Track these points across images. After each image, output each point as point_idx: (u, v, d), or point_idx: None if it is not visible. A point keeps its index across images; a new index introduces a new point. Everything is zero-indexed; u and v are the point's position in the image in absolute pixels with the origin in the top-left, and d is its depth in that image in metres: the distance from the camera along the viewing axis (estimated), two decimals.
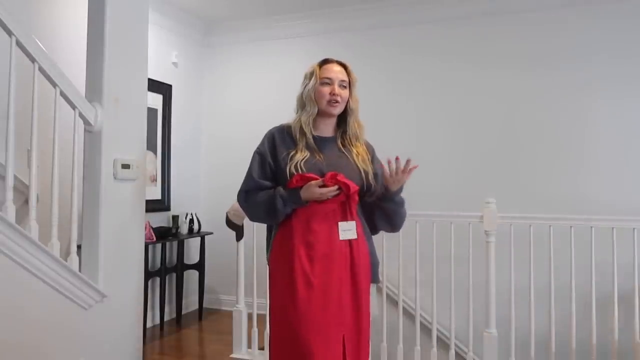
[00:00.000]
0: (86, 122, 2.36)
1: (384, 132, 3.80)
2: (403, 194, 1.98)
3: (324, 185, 1.84)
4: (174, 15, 4.65)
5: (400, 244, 2.90)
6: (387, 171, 1.88)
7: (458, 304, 2.95)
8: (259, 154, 1.99)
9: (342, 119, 2.02)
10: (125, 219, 2.52)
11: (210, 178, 5.05)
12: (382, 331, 3.02)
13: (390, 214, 2.00)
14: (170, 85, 4.66)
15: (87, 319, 2.32)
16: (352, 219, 1.91)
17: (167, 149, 4.62)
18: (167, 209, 4.58)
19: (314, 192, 1.84)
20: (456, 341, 3.16)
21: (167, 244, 4.38)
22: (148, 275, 3.99)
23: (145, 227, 3.51)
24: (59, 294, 2.19)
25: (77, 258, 2.31)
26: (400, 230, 2.13)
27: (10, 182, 2.07)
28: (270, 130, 2.03)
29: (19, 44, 2.09)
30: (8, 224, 1.97)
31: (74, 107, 2.31)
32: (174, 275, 4.45)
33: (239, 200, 2.02)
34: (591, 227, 2.81)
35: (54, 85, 2.25)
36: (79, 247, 2.38)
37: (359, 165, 1.95)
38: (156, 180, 4.48)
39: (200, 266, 4.60)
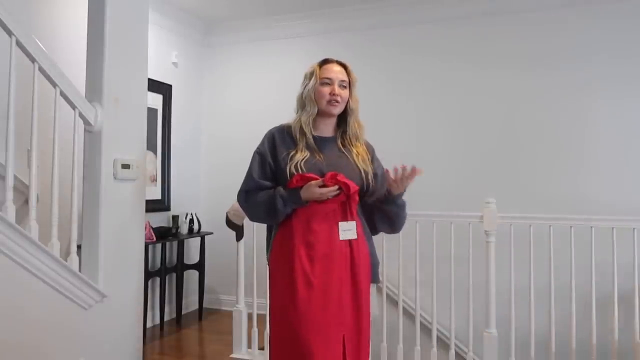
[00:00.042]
0: (86, 122, 2.36)
1: (384, 132, 3.81)
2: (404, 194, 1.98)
3: (324, 185, 1.84)
4: (174, 15, 4.65)
5: (400, 244, 2.90)
6: (391, 176, 1.87)
7: (458, 304, 2.95)
8: (259, 154, 1.99)
9: (342, 119, 2.02)
10: (125, 219, 2.52)
11: (210, 178, 5.05)
12: (382, 331, 3.02)
13: (392, 217, 2.01)
14: (170, 85, 4.66)
15: (87, 319, 2.32)
16: (353, 219, 1.91)
17: (167, 149, 4.62)
18: (167, 209, 4.58)
19: (314, 192, 1.84)
20: (456, 341, 3.16)
21: (167, 244, 4.38)
22: (148, 275, 3.99)
23: (145, 227, 3.51)
24: (59, 294, 2.19)
25: (77, 258, 2.31)
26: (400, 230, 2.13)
27: (10, 182, 2.07)
28: (270, 130, 2.03)
29: (19, 44, 2.09)
30: (8, 224, 1.97)
31: (74, 107, 2.31)
32: (174, 275, 4.45)
33: (239, 200, 2.02)
34: (591, 227, 2.81)
35: (54, 85, 2.25)
36: (79, 247, 2.38)
37: (359, 165, 1.95)
38: (156, 180, 4.48)
39: (200, 266, 4.60)
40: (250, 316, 3.20)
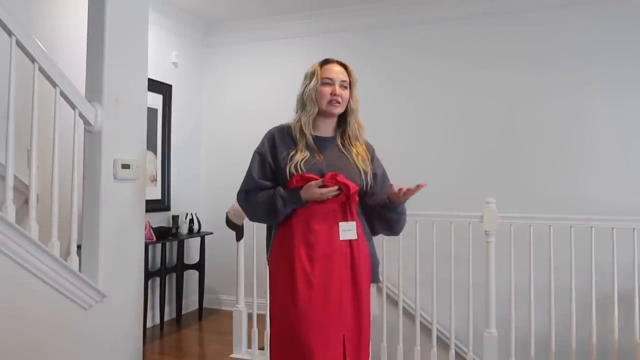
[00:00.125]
0: (86, 122, 2.36)
1: (384, 132, 3.82)
2: None
3: (324, 186, 1.84)
4: (174, 15, 4.65)
5: (400, 244, 2.90)
6: (394, 189, 1.86)
7: (458, 304, 2.95)
8: (259, 153, 1.99)
9: (342, 119, 2.02)
10: (125, 219, 2.52)
11: (210, 178, 5.05)
12: (382, 331, 3.02)
13: (392, 223, 2.01)
14: (170, 85, 4.66)
15: (87, 319, 2.32)
16: (353, 219, 1.91)
17: (167, 149, 4.62)
18: (167, 209, 4.58)
19: (314, 192, 1.84)
20: (456, 341, 3.16)
21: (167, 244, 4.38)
22: (148, 275, 3.99)
23: (145, 227, 3.51)
24: (59, 294, 2.19)
25: (77, 258, 2.31)
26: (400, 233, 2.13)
27: (10, 182, 2.07)
28: (270, 130, 2.03)
29: (19, 44, 2.09)
30: (8, 224, 1.97)
31: (74, 107, 2.31)
32: (174, 275, 4.45)
33: (238, 200, 2.02)
34: (591, 227, 2.81)
35: (54, 85, 2.25)
36: (79, 247, 2.38)
37: (358, 165, 1.95)
38: (156, 180, 4.48)
39: (200, 266, 4.60)
40: (250, 316, 3.20)
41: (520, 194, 3.91)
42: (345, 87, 1.97)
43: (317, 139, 1.97)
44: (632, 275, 2.74)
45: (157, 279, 4.24)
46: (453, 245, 2.94)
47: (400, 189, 1.84)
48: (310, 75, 1.97)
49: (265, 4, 4.51)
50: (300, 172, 1.88)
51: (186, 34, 4.87)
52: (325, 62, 2.00)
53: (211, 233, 4.66)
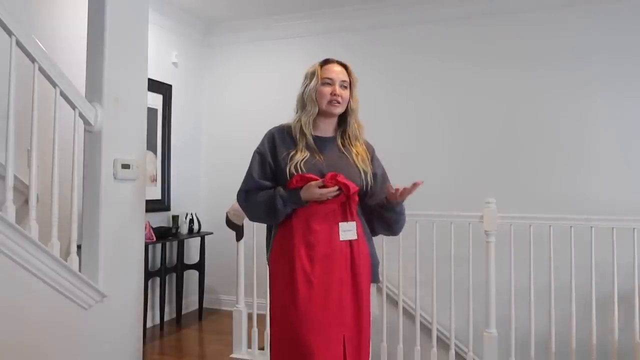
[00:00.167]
0: (86, 122, 2.36)
1: (384, 132, 3.82)
2: None
3: (324, 186, 1.84)
4: (174, 15, 4.65)
5: (400, 244, 2.90)
6: (391, 189, 1.87)
7: (458, 304, 2.95)
8: (259, 153, 1.99)
9: (343, 119, 2.02)
10: (125, 219, 2.52)
11: (210, 178, 5.05)
12: (382, 331, 3.02)
13: (391, 223, 2.01)
14: (170, 85, 4.66)
15: (87, 319, 2.32)
16: (353, 220, 1.91)
17: (167, 149, 4.62)
18: (167, 209, 4.58)
19: (314, 192, 1.84)
20: (456, 341, 3.16)
21: (167, 244, 4.38)
22: (148, 275, 3.99)
23: (145, 227, 3.51)
24: (59, 294, 2.19)
25: (77, 258, 2.31)
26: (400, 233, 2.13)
27: (10, 182, 2.07)
28: (270, 130, 2.03)
29: (19, 44, 2.09)
30: (8, 224, 1.97)
31: (74, 107, 2.31)
32: (174, 275, 4.45)
33: (238, 200, 2.02)
34: (591, 227, 2.81)
35: (54, 85, 2.25)
36: (79, 247, 2.38)
37: (358, 165, 1.95)
38: (156, 180, 4.48)
39: (200, 266, 4.60)
40: (250, 316, 3.20)
41: (520, 194, 3.91)
42: (346, 87, 1.97)
43: (317, 139, 1.97)
44: (632, 275, 2.74)
45: (157, 279, 4.24)
46: (453, 245, 2.94)
47: (397, 189, 1.85)
48: (311, 75, 1.97)
49: (265, 4, 4.51)
50: (300, 172, 1.87)
51: (186, 34, 4.87)
52: (326, 62, 2.00)
53: (211, 233, 4.66)
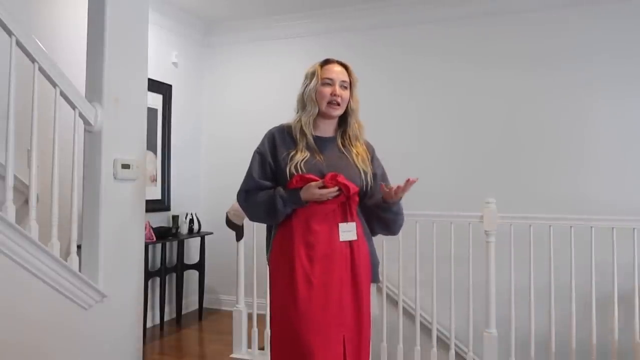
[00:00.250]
0: (86, 122, 2.36)
1: (385, 132, 3.82)
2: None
3: (324, 187, 1.84)
4: (174, 15, 4.65)
5: (400, 244, 2.90)
6: (385, 189, 1.87)
7: (458, 304, 2.95)
8: (259, 153, 1.98)
9: (343, 119, 2.02)
10: (125, 219, 2.52)
11: (210, 178, 5.05)
12: (382, 331, 3.02)
13: (389, 224, 2.01)
14: (170, 85, 4.66)
15: (87, 319, 2.32)
16: (352, 220, 1.91)
17: (167, 149, 4.62)
18: (167, 209, 4.58)
19: (314, 193, 1.84)
20: (456, 341, 3.16)
21: (167, 244, 4.38)
22: (148, 275, 3.99)
23: (145, 227, 3.51)
24: (59, 294, 2.19)
25: (77, 258, 2.31)
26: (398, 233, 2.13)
27: (10, 182, 2.07)
28: (270, 130, 2.03)
29: (19, 44, 2.09)
30: (8, 224, 1.97)
31: (74, 107, 2.30)
32: (174, 275, 4.45)
33: (238, 200, 2.02)
34: (591, 227, 2.81)
35: (54, 85, 2.25)
36: (79, 247, 2.38)
37: (359, 165, 1.95)
38: (156, 180, 4.48)
39: (200, 266, 4.60)
40: (250, 316, 3.20)
41: (520, 194, 3.91)
42: (346, 88, 1.97)
43: (317, 139, 1.97)
44: (632, 275, 2.74)
45: (157, 279, 4.24)
46: (453, 245, 2.94)
47: (391, 188, 1.84)
48: (311, 75, 1.97)
49: (265, 4, 4.51)
50: (300, 172, 1.87)
51: (186, 34, 4.87)
52: (326, 62, 2.00)
53: (211, 233, 4.66)
